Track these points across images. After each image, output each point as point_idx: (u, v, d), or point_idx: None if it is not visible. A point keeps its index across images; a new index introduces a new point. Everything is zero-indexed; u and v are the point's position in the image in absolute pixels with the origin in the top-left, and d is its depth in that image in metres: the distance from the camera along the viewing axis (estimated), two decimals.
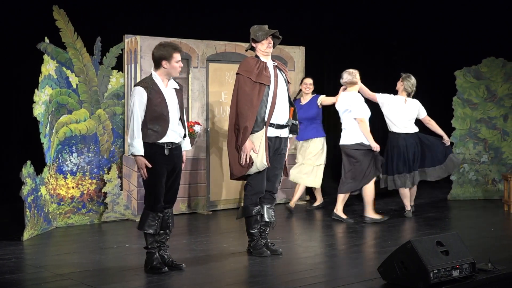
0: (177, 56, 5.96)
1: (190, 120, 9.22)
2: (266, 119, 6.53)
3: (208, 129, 9.43)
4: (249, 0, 11.24)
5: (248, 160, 6.48)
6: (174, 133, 6.00)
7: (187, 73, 9.28)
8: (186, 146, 6.24)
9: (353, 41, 12.77)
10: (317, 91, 12.23)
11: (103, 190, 8.63)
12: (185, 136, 6.18)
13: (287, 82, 6.74)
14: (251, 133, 6.49)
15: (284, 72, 6.76)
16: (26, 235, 7.44)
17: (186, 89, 9.27)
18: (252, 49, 6.73)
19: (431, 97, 12.79)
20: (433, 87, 12.72)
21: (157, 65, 5.98)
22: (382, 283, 5.64)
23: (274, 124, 6.58)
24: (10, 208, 9.22)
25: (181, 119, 6.07)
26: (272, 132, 6.59)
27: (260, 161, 6.50)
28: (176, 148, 6.07)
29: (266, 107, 6.53)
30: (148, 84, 5.94)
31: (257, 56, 6.68)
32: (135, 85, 6.04)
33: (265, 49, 6.63)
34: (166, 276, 5.91)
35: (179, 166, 6.14)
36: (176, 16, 10.64)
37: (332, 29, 12.47)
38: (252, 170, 6.55)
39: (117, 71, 8.88)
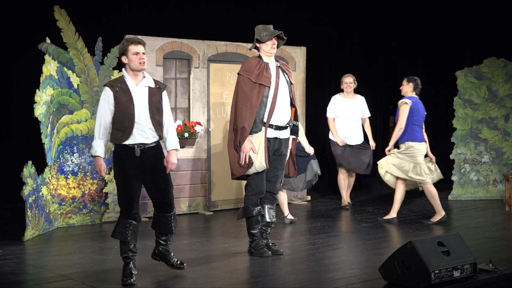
0: (132, 48, 5.66)
1: (191, 120, 9.22)
2: (265, 120, 6.53)
3: (209, 129, 9.43)
4: (250, 0, 11.24)
5: (247, 160, 6.48)
6: (143, 134, 5.68)
7: (188, 73, 9.28)
8: (170, 145, 5.87)
9: (353, 41, 12.77)
10: (319, 91, 12.27)
11: (104, 191, 8.63)
12: (166, 135, 5.85)
13: (290, 83, 6.74)
14: (250, 134, 6.50)
15: (287, 73, 6.74)
16: (27, 235, 7.44)
17: (187, 89, 9.27)
18: (256, 48, 6.71)
19: (432, 97, 12.80)
20: (434, 88, 12.71)
21: (122, 63, 5.77)
22: (383, 284, 5.64)
23: (273, 125, 6.58)
24: (11, 208, 9.23)
25: (155, 118, 5.73)
26: (271, 133, 6.59)
27: (259, 162, 6.50)
28: (150, 148, 5.74)
29: (265, 108, 6.52)
30: (116, 83, 5.72)
31: (259, 57, 6.68)
32: (103, 86, 5.86)
33: (269, 50, 6.61)
34: (167, 276, 5.91)
35: (157, 168, 5.79)
36: (177, 16, 10.65)
37: (333, 29, 12.47)
38: (251, 170, 6.55)
39: (118, 71, 8.87)
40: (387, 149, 8.69)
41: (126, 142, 5.65)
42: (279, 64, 6.72)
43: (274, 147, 6.64)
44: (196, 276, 5.95)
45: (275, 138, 6.63)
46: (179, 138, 8.88)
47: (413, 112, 8.49)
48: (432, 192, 8.59)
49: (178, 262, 6.09)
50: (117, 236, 5.85)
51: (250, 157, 6.49)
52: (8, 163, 9.73)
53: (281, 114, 6.61)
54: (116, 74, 8.82)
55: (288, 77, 6.73)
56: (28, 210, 7.42)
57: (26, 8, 9.55)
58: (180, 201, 9.19)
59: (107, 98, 5.66)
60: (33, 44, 8.12)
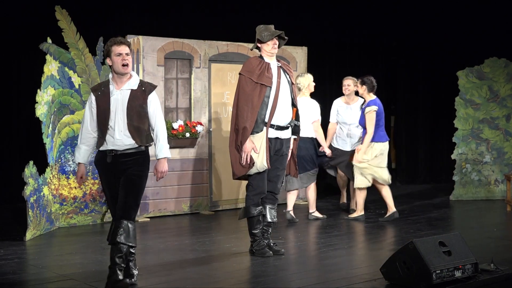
0: (115, 49, 5.35)
1: (192, 120, 9.22)
2: (266, 120, 6.53)
3: (211, 129, 9.43)
4: (251, 1, 11.24)
5: (248, 160, 6.48)
6: (113, 140, 5.39)
7: (190, 73, 9.28)
8: (159, 153, 5.50)
9: (354, 41, 12.77)
10: (320, 91, 12.24)
11: None
12: (156, 142, 5.52)
13: (291, 83, 6.74)
14: (252, 134, 6.49)
15: (288, 73, 6.74)
16: (29, 235, 7.45)
17: (189, 89, 9.27)
18: (258, 48, 6.71)
19: (433, 97, 12.80)
20: (436, 88, 12.71)
21: (109, 65, 5.50)
22: (385, 284, 5.64)
23: (274, 125, 6.58)
24: (12, 208, 9.24)
25: (133, 124, 5.39)
26: (272, 133, 6.59)
27: (261, 162, 6.50)
28: (124, 155, 5.41)
29: (266, 108, 6.52)
30: (100, 87, 5.52)
31: (261, 57, 6.67)
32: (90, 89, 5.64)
33: (270, 50, 6.60)
34: (169, 277, 5.91)
35: (128, 173, 5.41)
36: (178, 16, 10.66)
37: (334, 30, 12.47)
38: (252, 170, 6.55)
39: None
40: (357, 160, 8.70)
41: (101, 148, 5.46)
42: (280, 64, 6.73)
43: (275, 147, 6.64)
44: (198, 276, 5.94)
45: (276, 138, 6.63)
46: (180, 138, 8.92)
47: (379, 115, 8.62)
48: (365, 194, 8.86)
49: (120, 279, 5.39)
50: (109, 239, 5.58)
51: (251, 157, 6.49)
52: (9, 163, 9.74)
53: (283, 114, 6.61)
54: None
55: (289, 77, 6.73)
56: (29, 210, 7.42)
57: (27, 9, 9.56)
58: (182, 201, 9.19)
59: (89, 103, 5.51)
60: (34, 44, 8.13)
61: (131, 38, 8.94)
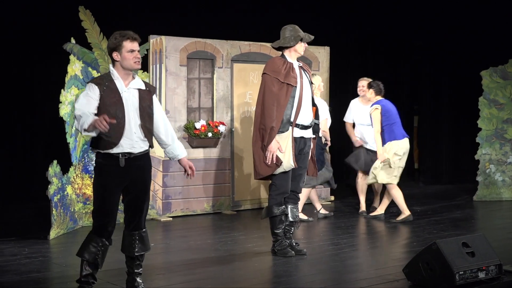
0: (128, 45, 4.99)
1: (214, 120, 9.24)
2: (292, 120, 6.54)
3: (233, 129, 9.45)
4: (274, 0, 11.24)
5: (274, 159, 6.47)
6: (130, 142, 5.03)
7: (212, 73, 9.30)
8: (182, 153, 5.33)
9: (377, 41, 12.72)
10: (342, 90, 12.23)
11: None
12: (172, 143, 5.32)
13: (311, 83, 6.76)
14: (277, 134, 6.49)
15: (307, 73, 6.77)
16: (53, 234, 7.51)
17: (211, 89, 9.29)
18: (279, 48, 6.74)
19: (457, 97, 12.71)
20: (459, 88, 12.62)
21: (112, 59, 5.07)
22: (408, 284, 5.62)
23: (299, 124, 6.59)
24: (37, 207, 9.31)
25: (146, 126, 5.12)
26: (297, 133, 6.60)
27: (287, 161, 6.50)
28: (136, 158, 5.10)
29: (292, 108, 6.53)
30: (103, 81, 5.02)
31: (283, 56, 6.68)
32: (87, 82, 5.18)
33: (301, 51, 6.69)
34: (191, 276, 5.93)
35: (142, 180, 5.18)
36: (201, 16, 10.68)
37: (356, 29, 12.43)
38: (278, 170, 6.55)
39: (142, 71, 8.91)
40: (381, 160, 8.66)
41: (112, 151, 5.03)
42: (301, 64, 6.75)
43: (299, 146, 6.65)
44: (220, 276, 5.96)
45: (301, 137, 6.64)
46: (203, 137, 8.95)
47: (386, 114, 8.69)
48: (399, 193, 8.74)
49: None
50: (84, 255, 5.20)
51: (278, 157, 6.48)
52: (33, 162, 9.82)
53: (306, 113, 6.63)
54: (139, 74, 8.86)
55: (309, 77, 6.76)
56: (53, 209, 7.48)
57: (52, 9, 9.63)
58: (204, 200, 9.21)
59: (92, 94, 4.95)
60: (58, 44, 8.18)
61: (154, 38, 8.99)
